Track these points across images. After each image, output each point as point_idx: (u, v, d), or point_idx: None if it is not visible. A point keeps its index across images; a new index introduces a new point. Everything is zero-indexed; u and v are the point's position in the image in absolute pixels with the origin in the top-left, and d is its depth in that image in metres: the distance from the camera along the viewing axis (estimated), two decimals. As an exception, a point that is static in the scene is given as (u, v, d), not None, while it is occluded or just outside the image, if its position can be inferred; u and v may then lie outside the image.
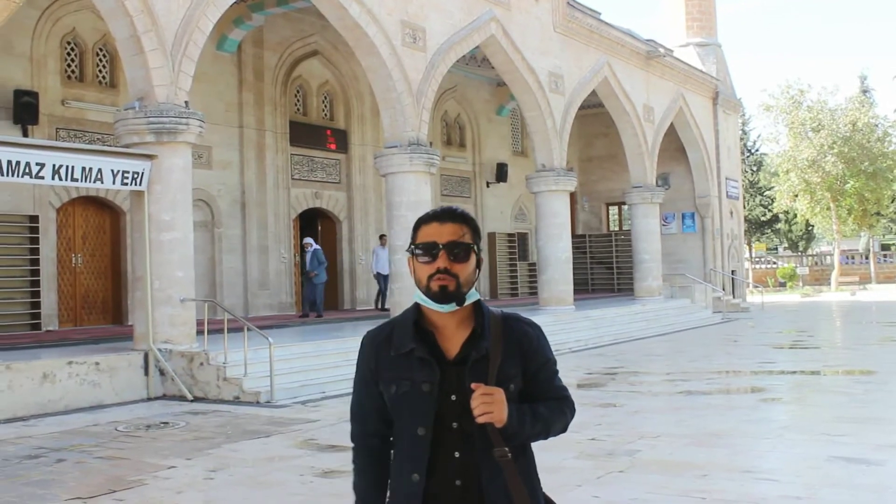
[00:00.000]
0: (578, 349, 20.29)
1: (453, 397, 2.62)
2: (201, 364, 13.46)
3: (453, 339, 2.70)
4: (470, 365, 2.64)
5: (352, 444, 2.85)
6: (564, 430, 2.78)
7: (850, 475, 7.65)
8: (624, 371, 16.15)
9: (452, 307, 2.65)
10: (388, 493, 2.75)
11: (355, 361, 2.83)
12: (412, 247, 2.70)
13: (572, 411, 2.80)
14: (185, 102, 14.11)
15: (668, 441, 9.39)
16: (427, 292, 2.65)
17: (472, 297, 2.70)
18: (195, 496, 7.61)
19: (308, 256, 20.71)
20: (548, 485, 8.48)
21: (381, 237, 22.79)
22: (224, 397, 13.11)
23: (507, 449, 2.59)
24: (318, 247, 21.16)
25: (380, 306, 23.21)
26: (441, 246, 2.65)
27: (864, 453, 8.41)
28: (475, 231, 2.72)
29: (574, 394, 11.35)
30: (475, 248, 2.70)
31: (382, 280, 22.54)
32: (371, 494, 2.77)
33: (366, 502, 2.78)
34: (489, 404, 2.53)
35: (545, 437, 2.73)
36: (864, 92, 61.67)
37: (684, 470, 7.99)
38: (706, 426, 10.30)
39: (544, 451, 9.66)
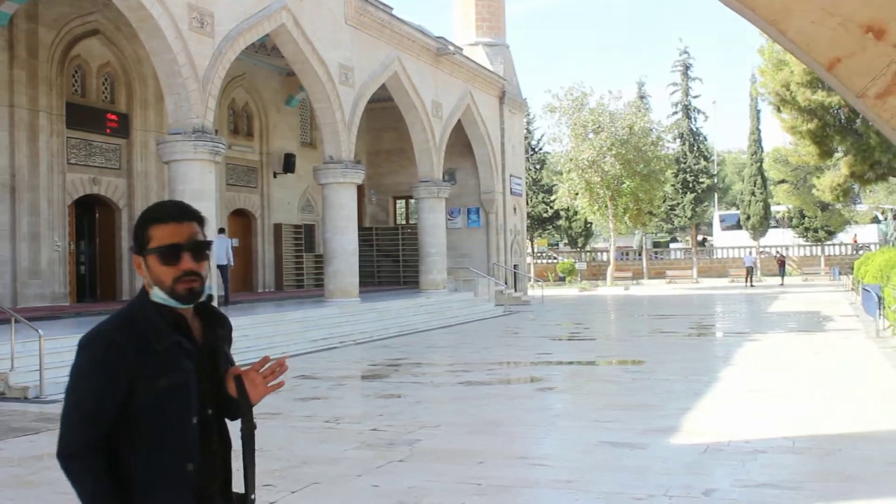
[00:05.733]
0: (363, 341, 20.40)
1: (208, 384, 2.68)
2: (-38, 357, 12.64)
3: (195, 329, 2.71)
4: (221, 352, 2.73)
5: (72, 456, 2.58)
6: None
7: (616, 458, 8.08)
8: (407, 362, 16.37)
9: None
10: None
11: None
12: (150, 250, 2.61)
13: None
14: (-51, 78, 13.20)
15: (447, 430, 9.61)
16: (172, 294, 2.61)
17: (207, 289, 2.72)
18: (-48, 498, 7.14)
19: None
20: (328, 475, 8.44)
21: (221, 230, 22.19)
22: (-12, 393, 12.38)
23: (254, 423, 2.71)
24: None
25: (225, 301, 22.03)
26: (184, 247, 2.61)
27: (630, 438, 8.91)
28: (203, 225, 2.72)
29: (358, 385, 11.38)
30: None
31: (222, 273, 21.72)
32: (118, 500, 2.54)
33: None
34: (263, 385, 2.71)
35: None
36: (641, 98, 64.93)
37: (462, 457, 8.20)
38: (485, 415, 10.60)
39: (324, 443, 9.64)
